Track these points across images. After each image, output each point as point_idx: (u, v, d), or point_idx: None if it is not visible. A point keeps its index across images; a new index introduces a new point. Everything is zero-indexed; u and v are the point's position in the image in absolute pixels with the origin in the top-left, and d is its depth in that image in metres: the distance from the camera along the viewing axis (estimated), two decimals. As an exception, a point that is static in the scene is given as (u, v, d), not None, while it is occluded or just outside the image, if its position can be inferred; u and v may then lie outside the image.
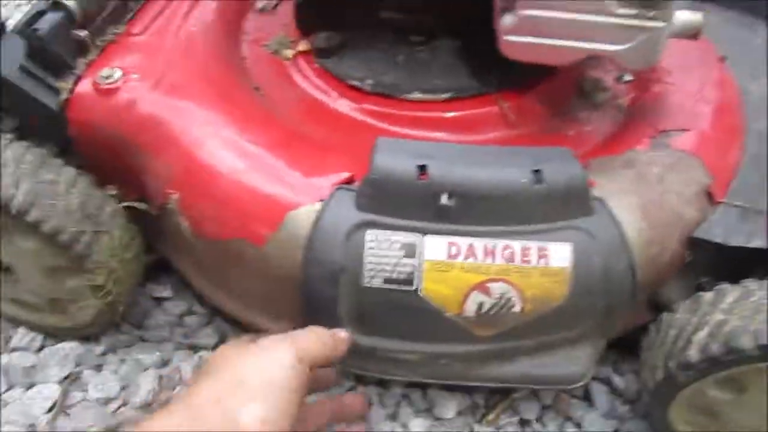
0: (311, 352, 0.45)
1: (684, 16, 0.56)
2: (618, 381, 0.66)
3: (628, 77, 0.70)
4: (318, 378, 0.57)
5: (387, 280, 0.51)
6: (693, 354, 0.50)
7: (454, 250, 0.51)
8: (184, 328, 0.71)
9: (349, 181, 0.53)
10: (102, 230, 0.57)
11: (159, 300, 0.73)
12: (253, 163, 0.55)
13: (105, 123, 0.58)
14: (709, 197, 0.58)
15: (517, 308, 0.52)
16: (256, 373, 0.42)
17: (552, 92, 0.65)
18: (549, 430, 0.64)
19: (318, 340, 0.47)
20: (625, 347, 0.64)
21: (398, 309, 0.53)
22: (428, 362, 0.57)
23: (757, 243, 0.55)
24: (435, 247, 0.51)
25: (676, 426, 0.58)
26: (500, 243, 0.51)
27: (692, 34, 0.57)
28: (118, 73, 0.58)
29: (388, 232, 0.51)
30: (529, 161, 0.51)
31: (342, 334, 0.51)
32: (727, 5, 0.82)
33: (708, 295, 0.52)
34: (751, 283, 0.51)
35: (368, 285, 0.51)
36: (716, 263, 0.56)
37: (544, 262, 0.51)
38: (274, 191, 0.53)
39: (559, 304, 0.52)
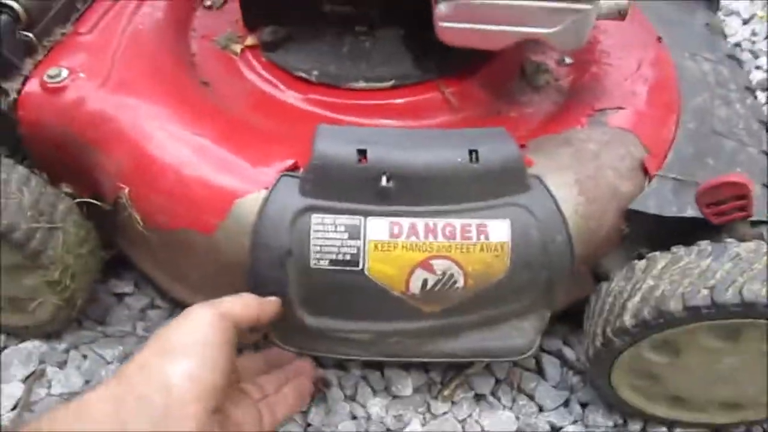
0: (233, 310, 0.46)
1: (611, -2, 0.59)
2: (568, 353, 0.68)
3: (568, 60, 0.73)
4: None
5: (333, 262, 0.53)
6: (627, 319, 0.52)
7: (396, 230, 0.53)
8: (146, 322, 0.72)
9: (293, 168, 0.55)
10: (56, 227, 0.59)
11: (121, 296, 0.74)
12: (200, 155, 0.56)
13: (54, 121, 0.59)
14: (645, 171, 0.60)
15: (460, 284, 0.54)
16: (179, 335, 0.43)
17: (493, 76, 0.68)
18: (503, 403, 0.66)
19: (241, 301, 0.48)
20: (574, 321, 0.67)
21: (346, 289, 0.54)
22: (379, 341, 0.59)
23: (690, 213, 0.57)
24: (377, 228, 0.53)
25: (621, 392, 0.61)
26: (441, 221, 0.53)
27: (619, 15, 0.59)
28: (65, 72, 0.59)
29: (332, 215, 0.53)
30: (465, 142, 0.53)
31: (271, 299, 0.52)
32: (668, -12, 0.85)
33: (641, 263, 0.54)
34: (679, 249, 0.53)
35: (315, 267, 0.53)
36: (653, 234, 0.59)
37: (483, 238, 0.53)
38: (221, 181, 0.55)
39: (500, 278, 0.54)
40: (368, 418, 0.65)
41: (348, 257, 0.53)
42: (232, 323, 0.45)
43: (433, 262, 0.53)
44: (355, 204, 0.53)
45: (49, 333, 0.69)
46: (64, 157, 0.60)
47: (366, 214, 0.53)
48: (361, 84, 0.64)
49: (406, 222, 0.53)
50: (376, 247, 0.53)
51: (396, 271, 0.53)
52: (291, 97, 0.65)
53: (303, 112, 0.64)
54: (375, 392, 0.66)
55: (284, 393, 0.54)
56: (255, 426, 0.48)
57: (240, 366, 0.53)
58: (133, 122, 0.58)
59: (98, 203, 0.61)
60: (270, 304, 0.51)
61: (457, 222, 0.53)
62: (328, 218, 0.53)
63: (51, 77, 0.58)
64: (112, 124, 0.58)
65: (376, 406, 0.65)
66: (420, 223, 0.53)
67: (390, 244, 0.53)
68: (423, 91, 0.65)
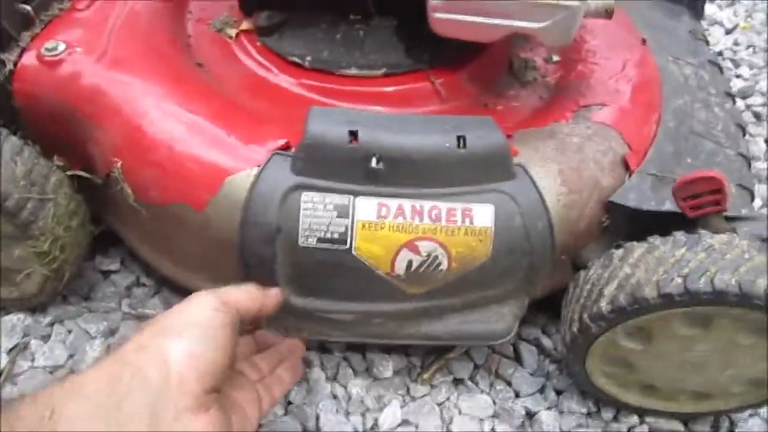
0: (236, 298, 0.45)
1: (598, -3, 0.60)
2: (546, 341, 0.70)
3: (555, 57, 0.75)
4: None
5: (321, 240, 0.54)
6: (604, 305, 0.54)
7: (384, 211, 0.54)
8: (131, 299, 0.73)
9: (285, 148, 0.56)
10: (47, 198, 0.59)
11: (107, 273, 0.75)
12: (193, 132, 0.57)
13: (49, 94, 0.59)
14: (626, 166, 0.62)
15: (444, 266, 0.56)
16: (178, 317, 0.42)
17: (482, 70, 0.69)
18: (481, 388, 0.67)
19: (244, 291, 0.47)
20: (552, 311, 0.68)
21: (333, 268, 0.56)
22: (362, 322, 0.60)
23: (667, 207, 0.59)
24: (366, 207, 0.54)
25: (596, 379, 0.62)
26: (427, 204, 0.55)
27: (606, 14, 0.61)
28: (62, 46, 0.60)
29: (322, 193, 0.54)
30: (454, 128, 0.55)
31: (273, 290, 0.52)
32: (654, -6, 0.88)
33: (618, 252, 0.56)
34: (655, 239, 0.55)
35: (303, 245, 0.54)
36: (632, 227, 0.61)
37: (468, 221, 0.55)
38: (213, 157, 0.56)
39: (483, 262, 0.56)
40: (348, 398, 0.66)
41: (336, 236, 0.54)
42: (234, 310, 0.44)
43: (419, 243, 0.54)
44: (344, 183, 0.54)
45: (34, 306, 0.70)
46: (58, 130, 0.61)
47: (355, 193, 0.54)
48: (354, 71, 0.66)
49: (393, 203, 0.54)
50: (363, 226, 0.54)
51: (382, 250, 0.54)
52: (284, 81, 0.67)
53: (296, 96, 0.66)
54: (356, 373, 0.68)
55: (278, 374, 0.55)
56: (255, 407, 0.48)
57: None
58: (127, 98, 0.59)
59: (90, 176, 0.61)
60: (272, 297, 0.51)
61: (443, 205, 0.55)
62: (318, 197, 0.54)
63: (48, 50, 0.59)
64: (107, 98, 0.59)
65: (356, 387, 0.66)
66: (407, 204, 0.54)
67: (377, 224, 0.54)
68: (413, 80, 0.66)
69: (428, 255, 0.55)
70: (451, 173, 0.55)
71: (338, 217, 0.54)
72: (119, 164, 0.58)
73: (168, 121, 0.58)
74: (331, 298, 0.59)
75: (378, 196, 0.54)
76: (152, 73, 0.61)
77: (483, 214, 0.55)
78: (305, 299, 0.58)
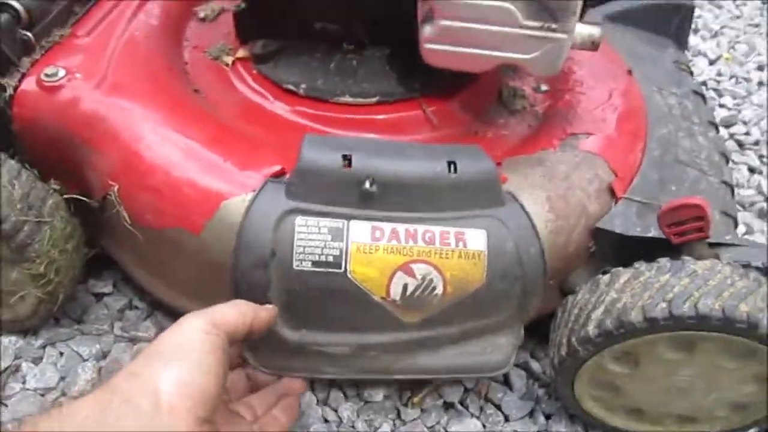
0: (226, 318, 0.44)
1: (585, 30, 0.62)
2: (535, 366, 0.71)
3: (544, 87, 0.77)
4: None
5: (316, 263, 0.55)
6: (591, 329, 0.55)
7: (378, 234, 0.55)
8: (124, 322, 0.73)
9: (280, 174, 0.57)
10: (44, 221, 0.60)
11: (99, 295, 0.75)
12: (190, 157, 0.58)
13: (48, 119, 0.61)
14: (612, 193, 0.64)
15: (439, 290, 0.56)
16: (169, 341, 0.41)
17: (473, 98, 0.71)
18: (471, 412, 0.68)
19: (235, 309, 0.46)
20: (540, 335, 0.69)
21: (327, 294, 0.56)
22: (358, 355, 0.60)
23: (652, 233, 0.61)
24: (360, 231, 0.55)
25: (584, 403, 0.63)
26: (421, 227, 0.56)
27: (592, 46, 0.63)
28: (61, 72, 0.61)
29: (316, 218, 0.55)
30: (444, 154, 0.57)
31: (265, 306, 0.52)
32: (640, 26, 0.90)
33: (605, 277, 0.58)
34: (641, 265, 0.56)
35: (298, 268, 0.55)
36: (618, 253, 0.62)
37: (462, 245, 0.56)
38: (208, 183, 0.57)
39: (478, 287, 0.57)
40: (340, 422, 0.66)
41: (330, 258, 0.55)
42: (224, 331, 0.43)
43: (414, 266, 0.55)
44: (338, 208, 0.55)
45: (26, 329, 0.70)
46: (56, 154, 0.62)
47: (349, 217, 0.55)
48: (347, 99, 0.67)
49: (387, 226, 0.55)
50: (358, 249, 0.55)
51: (377, 273, 0.55)
52: (279, 108, 0.68)
53: (290, 122, 0.67)
54: (347, 397, 0.68)
55: (274, 414, 0.54)
56: None
57: (228, 384, 0.51)
58: (125, 123, 0.60)
59: (86, 200, 0.62)
60: (265, 312, 0.50)
61: (436, 229, 0.56)
62: (312, 220, 0.55)
63: (48, 76, 0.60)
64: (105, 123, 0.60)
65: (347, 410, 0.67)
66: (401, 228, 0.55)
67: (372, 246, 0.55)
68: (405, 108, 0.68)
69: (423, 278, 0.56)
70: (443, 198, 0.56)
71: (333, 240, 0.55)
72: (116, 188, 0.59)
73: (165, 146, 0.59)
74: (325, 329, 0.58)
75: (372, 220, 0.55)
76: (150, 99, 0.62)
77: (476, 239, 0.56)
78: (298, 332, 0.58)
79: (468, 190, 0.56)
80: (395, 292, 0.56)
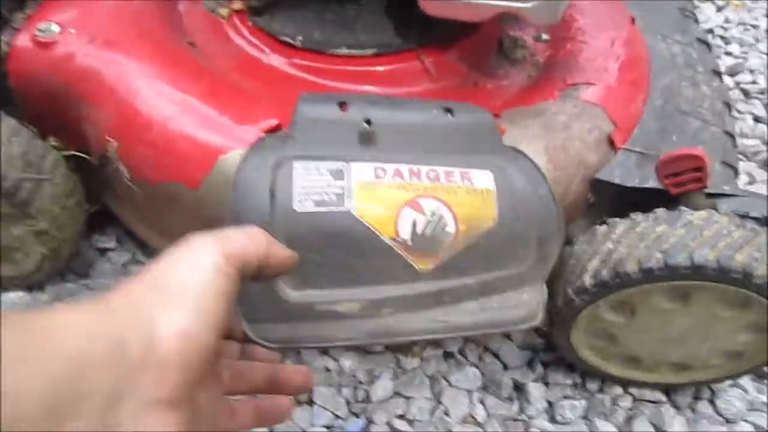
0: (241, 249, 0.36)
1: (585, -24, 0.61)
2: (533, 316, 0.72)
3: (545, 36, 0.75)
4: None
5: (318, 203, 0.52)
6: (587, 279, 0.55)
7: (380, 173, 0.53)
8: (128, 276, 0.74)
9: (276, 129, 0.57)
10: (44, 178, 0.60)
11: (103, 251, 0.76)
12: (186, 111, 0.58)
13: (44, 75, 0.60)
14: (611, 143, 0.63)
15: (450, 227, 0.53)
16: (175, 275, 0.34)
17: (472, 49, 0.70)
18: (470, 361, 0.69)
19: (250, 238, 0.37)
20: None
21: (333, 239, 0.52)
22: (370, 314, 0.55)
23: (651, 184, 0.60)
24: (362, 170, 0.53)
25: (581, 351, 0.64)
26: (424, 167, 0.54)
27: (593, -7, 0.62)
28: (55, 27, 0.60)
29: (316, 161, 0.53)
30: (440, 104, 0.56)
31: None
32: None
33: (601, 228, 0.58)
34: (637, 216, 0.57)
35: (300, 210, 0.52)
36: (616, 204, 0.62)
37: (468, 182, 0.54)
38: (205, 137, 0.57)
39: (491, 226, 0.54)
40: (341, 371, 0.68)
41: (333, 197, 0.52)
42: (239, 267, 0.35)
43: (421, 201, 0.53)
44: (338, 151, 0.53)
45: (33, 284, 0.71)
46: (52, 111, 0.62)
47: (350, 159, 0.53)
48: (344, 50, 0.66)
49: (389, 167, 0.54)
50: (361, 186, 0.52)
51: (383, 209, 0.52)
52: (276, 60, 0.67)
53: (287, 75, 0.66)
54: (348, 347, 0.69)
55: (253, 404, 0.40)
56: (225, 423, 0.38)
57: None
58: (121, 78, 0.60)
59: (85, 156, 0.62)
60: (281, 248, 0.38)
61: (440, 168, 0.54)
62: (312, 164, 0.53)
63: (41, 31, 0.60)
64: (100, 78, 0.60)
65: (348, 360, 0.68)
66: (404, 167, 0.54)
67: (375, 184, 0.53)
68: (403, 59, 0.67)
69: (432, 214, 0.53)
70: (443, 141, 0.55)
71: (334, 179, 0.52)
72: (114, 144, 0.59)
73: (161, 100, 0.59)
74: (331, 284, 0.54)
75: (373, 161, 0.54)
76: (145, 53, 0.62)
77: (482, 177, 0.55)
78: (302, 291, 0.54)
79: (467, 134, 0.56)
80: (404, 230, 0.52)
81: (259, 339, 0.52)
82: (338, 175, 0.53)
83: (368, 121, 0.53)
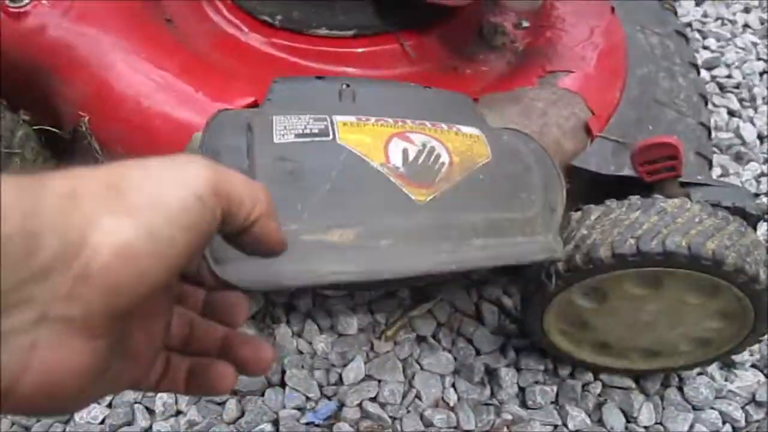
0: (236, 194, 0.28)
1: (566, -38, 0.61)
2: (507, 301, 0.72)
3: (525, 23, 0.75)
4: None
5: (300, 135, 0.46)
6: (560, 265, 0.56)
7: (364, 119, 0.49)
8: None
9: (252, 105, 0.57)
10: (14, 152, 0.59)
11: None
12: (161, 87, 0.57)
13: (14, 46, 0.59)
14: (588, 131, 0.64)
15: (444, 158, 0.48)
16: (142, 184, 0.26)
17: (452, 33, 0.70)
18: (443, 345, 0.69)
19: (251, 191, 0.29)
20: (513, 271, 0.70)
21: (318, 168, 0.45)
22: (366, 244, 0.45)
23: (626, 172, 0.61)
24: (344, 118, 0.48)
25: (553, 337, 0.65)
26: (408, 120, 0.50)
27: (574, -21, 0.62)
28: (27, -2, 0.59)
29: (296, 114, 0.48)
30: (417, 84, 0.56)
31: None
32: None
33: (576, 214, 0.58)
34: (612, 203, 0.57)
35: (279, 141, 0.45)
36: (592, 191, 0.63)
37: (456, 129, 0.51)
38: (180, 114, 0.56)
39: (486, 161, 0.50)
40: (314, 354, 0.68)
41: (316, 131, 0.47)
42: (220, 205, 0.28)
43: (410, 134, 0.49)
44: (318, 109, 0.49)
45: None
46: (24, 83, 0.60)
47: (331, 112, 0.48)
48: (323, 31, 0.66)
49: (372, 117, 0.49)
50: (345, 124, 0.48)
51: (371, 139, 0.47)
52: (254, 39, 0.67)
53: (265, 54, 0.66)
54: (321, 330, 0.69)
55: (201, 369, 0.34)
56: (152, 378, 0.32)
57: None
58: (94, 52, 0.59)
59: (57, 131, 0.61)
60: (276, 225, 0.31)
61: (426, 121, 0.51)
62: (292, 117, 0.47)
63: (13, 1, 0.58)
64: (73, 52, 0.59)
65: (321, 343, 0.68)
66: (388, 118, 0.50)
67: (360, 123, 0.48)
68: (383, 41, 0.67)
69: (423, 145, 0.48)
70: (424, 107, 0.53)
71: (316, 121, 0.47)
72: (86, 119, 0.58)
73: (135, 76, 0.58)
74: (320, 217, 0.43)
75: (355, 114, 0.49)
76: (120, 27, 0.60)
77: (469, 129, 0.52)
78: (286, 227, 0.38)
79: (447, 104, 0.54)
80: (395, 157, 0.47)
81: (230, 280, 0.38)
82: (320, 119, 0.48)
83: (347, 85, 0.51)
